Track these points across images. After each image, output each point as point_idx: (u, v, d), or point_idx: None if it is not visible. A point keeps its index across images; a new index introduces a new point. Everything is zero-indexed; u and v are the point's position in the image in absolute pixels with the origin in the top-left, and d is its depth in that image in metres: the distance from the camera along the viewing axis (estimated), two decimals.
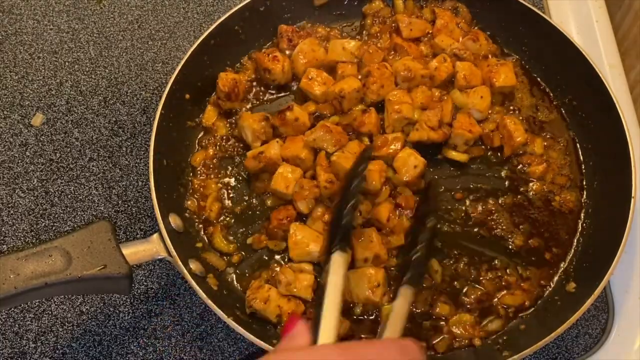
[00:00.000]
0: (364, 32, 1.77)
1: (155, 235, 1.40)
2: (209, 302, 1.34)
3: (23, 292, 1.22)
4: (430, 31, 1.71)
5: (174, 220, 1.47)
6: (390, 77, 1.61)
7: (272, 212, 1.52)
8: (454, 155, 1.60)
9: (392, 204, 1.51)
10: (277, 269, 1.48)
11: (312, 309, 1.42)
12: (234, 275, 1.50)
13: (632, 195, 1.46)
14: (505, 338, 1.43)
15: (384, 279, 1.43)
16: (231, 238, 1.54)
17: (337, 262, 1.24)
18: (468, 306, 1.46)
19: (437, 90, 1.62)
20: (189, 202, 1.55)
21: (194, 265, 1.43)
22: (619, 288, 1.58)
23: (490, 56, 1.70)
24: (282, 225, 1.49)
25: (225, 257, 1.51)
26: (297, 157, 1.53)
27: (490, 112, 1.63)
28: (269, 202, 1.57)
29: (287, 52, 1.70)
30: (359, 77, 1.63)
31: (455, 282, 1.48)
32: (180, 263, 1.37)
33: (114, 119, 1.75)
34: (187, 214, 1.55)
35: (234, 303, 1.44)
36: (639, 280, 1.58)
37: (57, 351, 1.49)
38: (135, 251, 1.35)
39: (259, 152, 1.54)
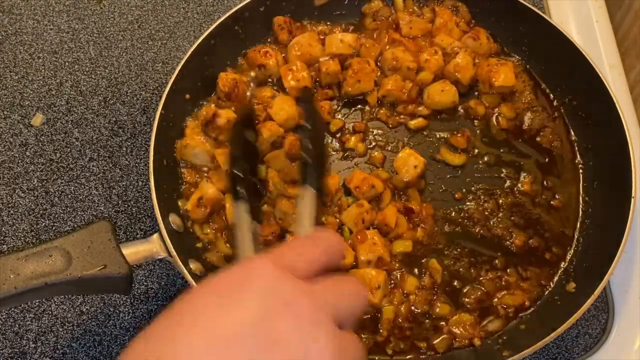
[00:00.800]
0: (362, 28, 1.77)
1: (155, 235, 1.40)
2: None
3: (23, 292, 1.22)
4: (430, 31, 1.71)
5: (174, 220, 1.47)
6: (370, 73, 1.63)
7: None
8: (450, 157, 1.60)
9: (395, 206, 1.52)
10: None
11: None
12: None
13: (632, 195, 1.45)
14: (505, 338, 1.43)
15: (384, 282, 1.43)
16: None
17: (239, 210, 1.22)
18: (468, 306, 1.46)
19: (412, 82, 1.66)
20: (188, 205, 1.53)
21: (194, 265, 1.43)
22: (619, 288, 1.58)
23: (491, 55, 1.70)
24: (269, 241, 1.48)
25: (226, 258, 1.51)
26: None
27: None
28: None
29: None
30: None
31: (455, 282, 1.48)
32: (180, 263, 1.37)
33: (114, 119, 1.75)
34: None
35: None
36: (639, 280, 1.58)
37: (57, 351, 1.49)
38: (135, 251, 1.35)
39: (198, 199, 1.51)
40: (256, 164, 1.46)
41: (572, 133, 1.64)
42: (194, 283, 1.36)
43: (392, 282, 1.47)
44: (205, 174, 1.57)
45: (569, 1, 1.93)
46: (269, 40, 1.74)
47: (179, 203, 1.54)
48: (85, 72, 1.81)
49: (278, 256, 0.90)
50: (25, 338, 1.50)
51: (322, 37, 1.71)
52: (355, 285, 0.95)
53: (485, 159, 1.61)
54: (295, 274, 0.87)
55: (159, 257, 1.38)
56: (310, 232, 1.14)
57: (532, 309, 1.47)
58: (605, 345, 1.53)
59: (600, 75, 1.57)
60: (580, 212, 1.56)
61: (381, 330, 1.43)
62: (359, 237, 1.46)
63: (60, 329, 1.51)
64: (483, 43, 1.70)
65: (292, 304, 0.82)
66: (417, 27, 1.71)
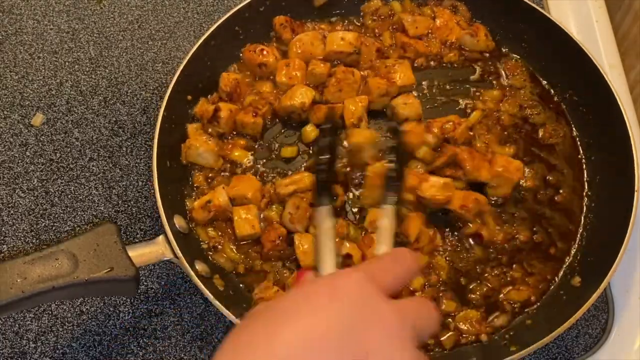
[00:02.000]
0: (363, 27, 1.78)
1: (161, 237, 1.40)
2: (217, 303, 1.35)
3: (31, 295, 1.23)
4: (431, 29, 1.72)
5: (179, 222, 1.47)
6: (352, 84, 1.62)
7: (263, 236, 1.49)
8: None
9: (422, 218, 1.50)
10: (286, 273, 1.48)
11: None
12: (241, 277, 1.50)
13: (635, 189, 1.47)
14: (512, 333, 1.44)
15: None
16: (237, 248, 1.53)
17: (322, 213, 1.28)
18: (474, 302, 1.47)
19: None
20: (195, 204, 1.53)
21: (199, 266, 1.43)
22: (619, 288, 1.59)
23: (390, 54, 1.73)
24: (277, 246, 1.48)
25: (232, 261, 1.51)
26: (244, 196, 1.51)
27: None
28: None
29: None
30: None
31: (461, 279, 1.49)
32: (186, 265, 1.37)
33: (114, 119, 1.75)
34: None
35: (241, 303, 1.44)
36: (639, 280, 1.59)
37: (57, 351, 1.49)
38: (142, 253, 1.36)
39: (206, 202, 1.51)
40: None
41: (574, 128, 1.65)
42: (201, 285, 1.36)
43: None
44: (219, 179, 1.58)
45: (569, 1, 1.94)
46: (273, 39, 1.74)
47: (187, 202, 1.55)
48: (85, 72, 1.81)
49: (368, 271, 0.93)
50: (25, 338, 1.50)
51: (324, 35, 1.71)
52: (432, 308, 0.98)
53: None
54: (383, 290, 0.90)
55: (165, 259, 1.39)
56: (389, 250, 1.23)
57: (538, 303, 1.48)
58: (605, 345, 1.54)
59: (600, 69, 1.59)
60: (584, 207, 1.57)
61: None
62: (365, 241, 1.46)
63: (60, 329, 1.51)
64: (481, 40, 1.71)
65: (383, 318, 0.86)
66: (422, 26, 1.72)
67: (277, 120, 1.66)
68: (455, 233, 1.52)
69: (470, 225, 1.51)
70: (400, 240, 1.49)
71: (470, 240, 1.52)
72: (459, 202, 1.49)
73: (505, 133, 1.63)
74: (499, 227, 1.53)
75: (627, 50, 1.86)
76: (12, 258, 1.25)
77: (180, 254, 1.38)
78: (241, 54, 1.71)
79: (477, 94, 1.68)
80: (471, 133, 1.61)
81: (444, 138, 1.57)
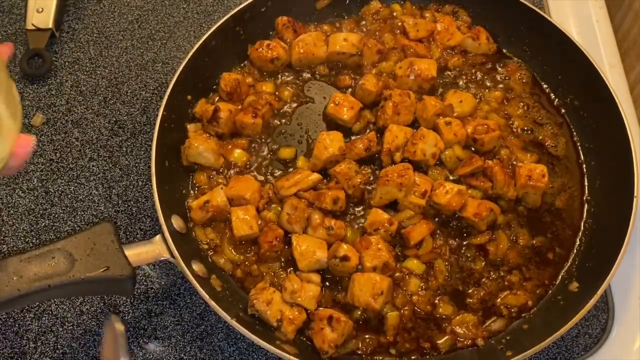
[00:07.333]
0: (364, 29, 1.77)
1: (158, 237, 1.40)
2: (212, 304, 1.35)
3: (26, 294, 1.23)
4: (434, 31, 1.72)
5: (176, 222, 1.47)
6: (409, 107, 1.59)
7: (260, 237, 1.49)
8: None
9: (430, 228, 1.50)
10: (283, 275, 1.48)
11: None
12: (239, 280, 1.50)
13: (635, 194, 1.46)
14: (508, 338, 1.44)
15: (388, 289, 1.42)
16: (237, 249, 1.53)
17: None
18: (471, 306, 1.47)
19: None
20: (193, 204, 1.53)
21: (197, 266, 1.43)
22: (619, 288, 1.58)
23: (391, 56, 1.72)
24: (274, 247, 1.48)
25: (232, 263, 1.51)
26: (242, 197, 1.51)
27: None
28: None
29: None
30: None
31: (459, 283, 1.48)
32: (183, 265, 1.37)
33: (114, 119, 1.75)
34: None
35: (238, 304, 1.44)
36: (639, 280, 1.58)
37: (57, 351, 1.49)
38: (138, 252, 1.36)
39: (204, 202, 1.51)
40: None
41: (574, 133, 1.64)
42: (196, 285, 1.36)
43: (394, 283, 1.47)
44: (220, 180, 1.57)
45: (569, 2, 1.93)
46: (274, 38, 1.74)
47: (189, 200, 1.55)
48: (85, 72, 1.81)
49: None
50: (25, 338, 1.50)
51: (327, 36, 1.71)
52: None
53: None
54: None
55: (162, 259, 1.39)
56: None
57: (535, 308, 1.47)
58: (605, 345, 1.53)
59: (602, 75, 1.58)
60: (584, 213, 1.57)
61: (387, 336, 1.43)
62: (362, 243, 1.45)
63: (60, 329, 1.51)
64: (482, 43, 1.70)
65: None
66: (423, 29, 1.72)
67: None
68: (464, 242, 1.52)
69: (480, 236, 1.51)
70: (395, 241, 1.50)
71: (474, 251, 1.51)
72: (473, 209, 1.49)
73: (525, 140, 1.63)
74: (510, 246, 1.52)
75: (627, 50, 1.85)
76: (8, 256, 1.25)
77: (177, 254, 1.37)
78: (248, 55, 1.71)
79: (481, 97, 1.68)
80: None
81: (472, 138, 1.57)
